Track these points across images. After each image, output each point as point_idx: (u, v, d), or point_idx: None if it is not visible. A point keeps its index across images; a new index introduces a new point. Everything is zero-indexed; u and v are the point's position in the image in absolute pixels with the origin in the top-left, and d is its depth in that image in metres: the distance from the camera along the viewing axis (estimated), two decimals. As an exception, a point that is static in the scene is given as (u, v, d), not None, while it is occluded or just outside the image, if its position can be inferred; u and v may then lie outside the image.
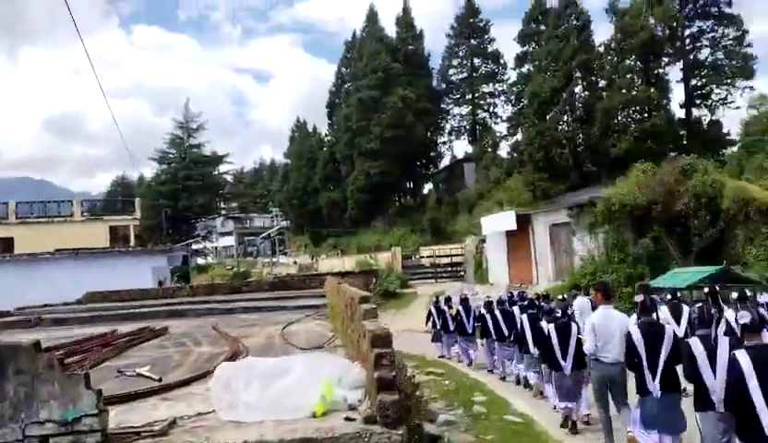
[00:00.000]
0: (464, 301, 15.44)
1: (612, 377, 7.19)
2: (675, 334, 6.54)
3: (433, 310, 16.97)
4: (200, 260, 54.12)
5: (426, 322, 17.69)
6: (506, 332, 12.52)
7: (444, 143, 51.80)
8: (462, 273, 32.01)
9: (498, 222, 24.59)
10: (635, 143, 30.27)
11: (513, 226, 23.39)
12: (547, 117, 35.13)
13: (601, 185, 25.16)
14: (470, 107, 49.34)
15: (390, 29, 48.92)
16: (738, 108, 33.44)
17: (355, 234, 47.76)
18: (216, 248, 67.77)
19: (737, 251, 18.11)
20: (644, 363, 6.10)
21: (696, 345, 5.57)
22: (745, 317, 4.65)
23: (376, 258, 37.21)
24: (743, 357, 4.41)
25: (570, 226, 21.77)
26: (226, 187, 67.79)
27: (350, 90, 48.91)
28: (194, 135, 60.46)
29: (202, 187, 57.85)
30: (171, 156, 60.01)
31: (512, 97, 42.54)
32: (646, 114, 32.77)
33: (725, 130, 35.90)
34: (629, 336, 6.34)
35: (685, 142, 34.09)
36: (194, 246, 56.72)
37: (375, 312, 5.01)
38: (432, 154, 51.77)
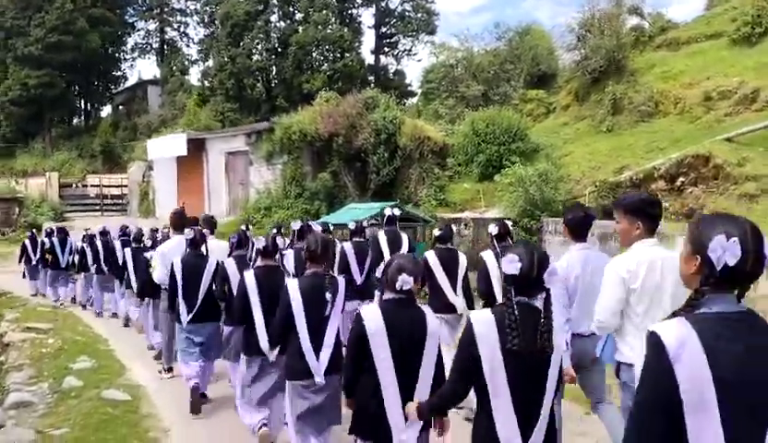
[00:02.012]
0: (61, 231, 13.71)
1: None
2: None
3: (28, 244, 14.18)
4: None
5: (20, 259, 14.59)
6: (104, 267, 11.45)
7: (126, 60, 44.80)
8: (126, 205, 27.35)
9: (167, 147, 20.64)
10: (327, 81, 29.44)
11: (184, 151, 19.75)
12: (241, 44, 32.02)
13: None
14: (158, 23, 43.11)
15: None
16: (420, 61, 34.44)
17: (12, 157, 38.87)
18: None
19: (410, 190, 17.41)
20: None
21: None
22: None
23: (26, 184, 30.27)
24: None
25: (248, 155, 19.05)
26: None
27: (5, -21, 38.82)
28: None
29: None
30: None
31: (205, 17, 37.95)
32: (339, 54, 31.92)
33: (407, 80, 36.98)
34: None
35: (372, 87, 34.02)
36: None
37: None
38: (114, 73, 44.51)
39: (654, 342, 1.82)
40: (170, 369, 7.55)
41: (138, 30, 43.93)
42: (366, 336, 3.15)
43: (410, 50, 36.94)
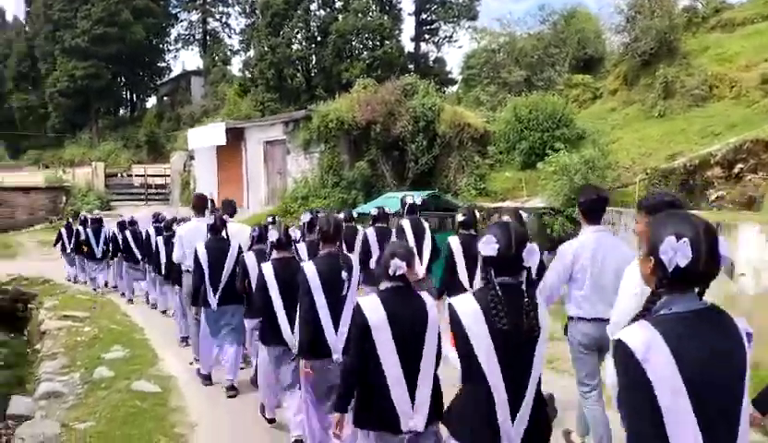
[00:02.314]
0: (95, 221, 13.77)
1: None
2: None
3: (63, 232, 14.49)
4: None
5: (55, 244, 15.09)
6: (137, 254, 11.55)
7: (170, 51, 45.31)
8: (168, 194, 27.55)
9: (206, 136, 20.56)
10: (366, 70, 29.01)
11: (223, 141, 19.65)
12: (281, 34, 31.86)
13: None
14: (200, 14, 43.40)
15: None
16: (460, 48, 33.85)
17: (61, 147, 39.85)
18: None
19: (449, 179, 16.92)
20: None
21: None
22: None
23: (74, 174, 30.84)
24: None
25: (286, 144, 18.83)
26: None
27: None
28: None
29: None
30: None
31: (246, 7, 37.97)
32: (378, 42, 31.48)
33: (447, 68, 36.28)
34: None
35: (412, 74, 33.46)
36: None
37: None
38: (159, 64, 45.16)
39: (622, 350, 1.81)
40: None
41: (181, 21, 44.44)
42: (368, 327, 3.08)
43: (451, 37, 36.28)
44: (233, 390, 6.36)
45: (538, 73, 22.33)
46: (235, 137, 20.09)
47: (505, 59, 23.19)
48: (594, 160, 12.94)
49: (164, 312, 10.81)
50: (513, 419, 2.51)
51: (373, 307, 3.10)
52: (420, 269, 6.70)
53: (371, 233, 7.35)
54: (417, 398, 3.10)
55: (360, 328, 3.12)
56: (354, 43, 31.55)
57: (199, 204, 7.21)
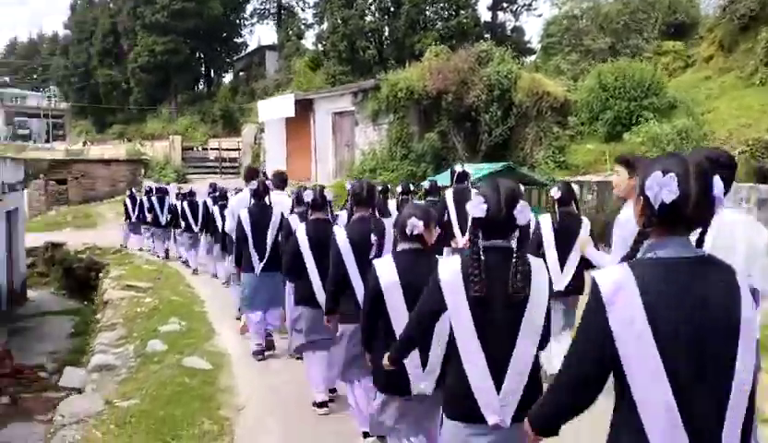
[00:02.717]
0: (159, 191, 13.96)
1: None
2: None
3: (128, 202, 14.85)
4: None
5: (126, 218, 15.22)
6: (193, 224, 11.61)
7: (246, 26, 45.62)
8: (239, 167, 27.66)
9: (276, 108, 20.28)
10: (440, 40, 27.94)
11: (292, 112, 19.31)
12: (354, 5, 31.25)
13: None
14: (275, -12, 43.39)
15: None
16: (540, 16, 32.21)
17: (143, 121, 41.13)
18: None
19: (525, 151, 15.92)
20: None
21: None
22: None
23: (153, 147, 31.63)
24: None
25: (354, 115, 18.28)
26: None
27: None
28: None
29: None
30: None
31: (320, -20, 37.49)
32: (453, 12, 30.31)
33: (526, 37, 34.67)
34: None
35: (488, 42, 32.19)
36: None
37: None
38: (235, 40, 45.65)
39: (591, 288, 1.73)
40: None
41: (257, -4, 44.46)
42: (380, 289, 3.08)
43: (529, 4, 34.53)
44: (272, 348, 6.55)
45: (624, 40, 20.78)
46: (304, 108, 19.72)
47: (588, 26, 21.73)
48: (687, 130, 11.77)
49: (225, 283, 10.57)
50: (498, 390, 2.36)
51: (387, 269, 3.07)
52: (461, 240, 6.66)
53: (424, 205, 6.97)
54: (430, 363, 3.06)
55: (372, 290, 3.13)
56: (427, 14, 30.56)
57: (249, 175, 7.25)
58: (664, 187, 1.64)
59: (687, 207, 1.64)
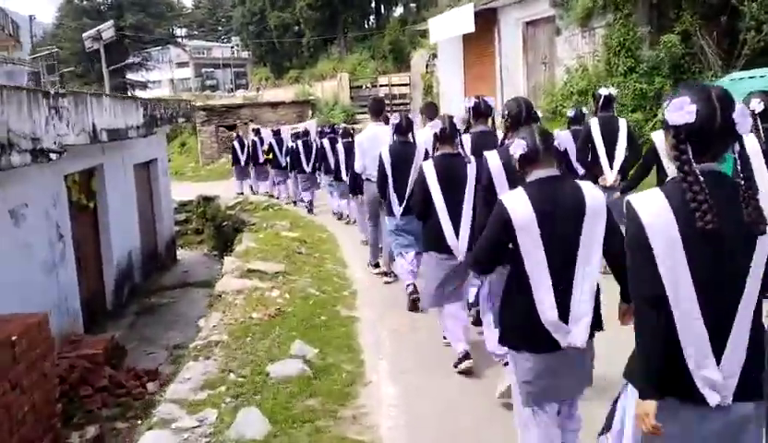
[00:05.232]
0: (276, 133, 13.42)
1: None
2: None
3: (236, 145, 14.39)
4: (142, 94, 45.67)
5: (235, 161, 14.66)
6: (304, 164, 11.36)
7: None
8: (408, 103, 24.02)
9: (450, 25, 16.07)
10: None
11: (471, 27, 15.02)
12: None
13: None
14: None
15: None
16: None
17: (316, 63, 39.49)
18: (172, 81, 58.66)
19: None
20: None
21: None
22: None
23: (322, 88, 29.41)
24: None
25: (554, 22, 13.57)
26: (179, 11, 57.52)
27: None
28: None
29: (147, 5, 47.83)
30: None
31: None
32: None
33: None
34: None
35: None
36: (133, 77, 48.22)
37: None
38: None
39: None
40: (376, 265, 6.91)
41: None
42: (511, 225, 2.47)
43: None
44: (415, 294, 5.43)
45: None
46: (486, 21, 15.34)
47: None
48: None
49: (348, 223, 10.05)
50: (721, 354, 1.80)
51: (518, 205, 2.49)
52: (610, 175, 5.79)
53: (566, 137, 4.77)
54: (573, 308, 2.47)
55: (499, 221, 2.54)
56: None
57: (376, 107, 6.77)
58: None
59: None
